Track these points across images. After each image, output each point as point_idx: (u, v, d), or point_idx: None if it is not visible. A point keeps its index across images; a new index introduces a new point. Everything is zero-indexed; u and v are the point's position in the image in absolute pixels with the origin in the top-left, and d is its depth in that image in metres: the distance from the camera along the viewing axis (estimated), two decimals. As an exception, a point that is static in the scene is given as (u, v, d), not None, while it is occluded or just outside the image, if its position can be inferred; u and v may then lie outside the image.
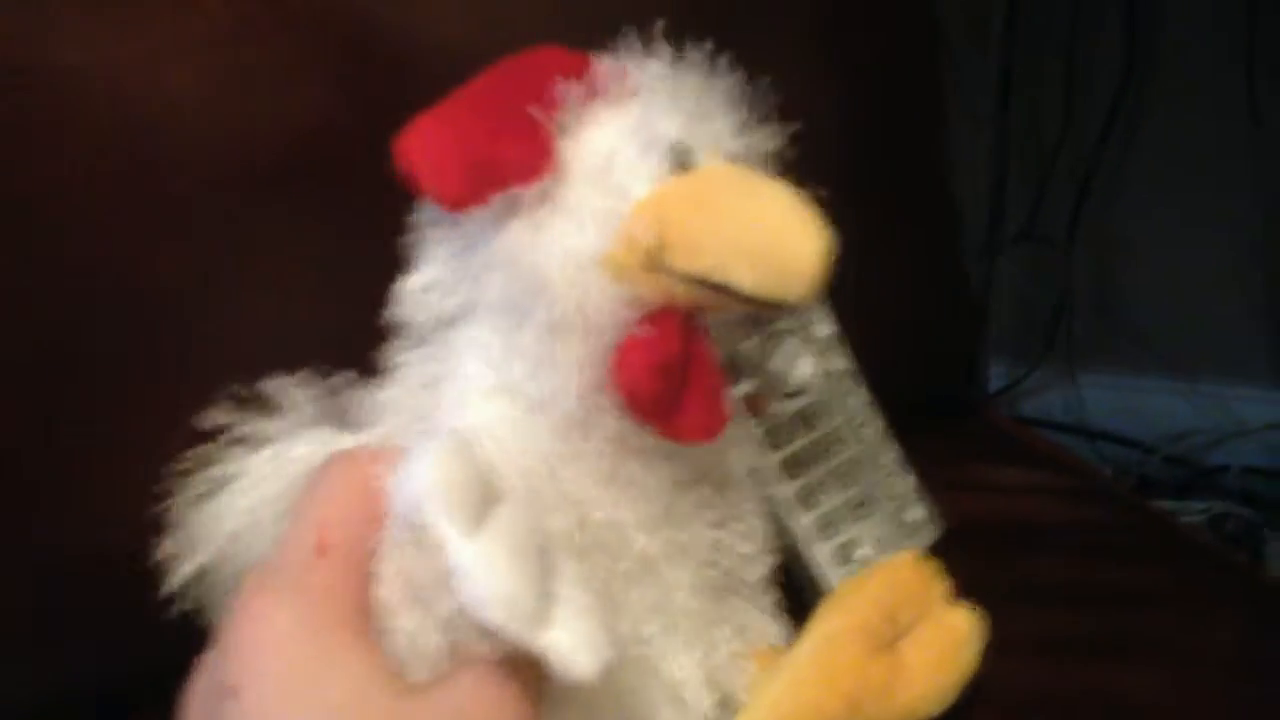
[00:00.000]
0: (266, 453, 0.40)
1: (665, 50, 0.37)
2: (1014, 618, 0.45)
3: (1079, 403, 1.32)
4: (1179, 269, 1.28)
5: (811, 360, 0.51)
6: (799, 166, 0.40)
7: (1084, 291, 1.32)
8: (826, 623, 0.42)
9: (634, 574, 0.38)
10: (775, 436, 0.50)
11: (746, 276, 0.34)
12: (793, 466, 0.50)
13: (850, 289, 0.54)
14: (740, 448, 0.44)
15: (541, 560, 0.33)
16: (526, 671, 0.34)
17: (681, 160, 0.36)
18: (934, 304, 0.67)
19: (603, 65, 0.37)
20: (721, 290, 0.34)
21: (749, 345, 0.50)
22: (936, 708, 0.42)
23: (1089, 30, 1.22)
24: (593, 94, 0.36)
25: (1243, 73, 1.16)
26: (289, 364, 0.40)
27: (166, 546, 0.40)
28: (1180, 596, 0.53)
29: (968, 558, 0.49)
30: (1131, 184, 1.27)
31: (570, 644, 0.31)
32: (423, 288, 0.38)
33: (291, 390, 0.40)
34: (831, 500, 0.50)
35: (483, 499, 0.32)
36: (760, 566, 0.43)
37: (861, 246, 0.61)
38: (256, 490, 0.40)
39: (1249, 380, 1.29)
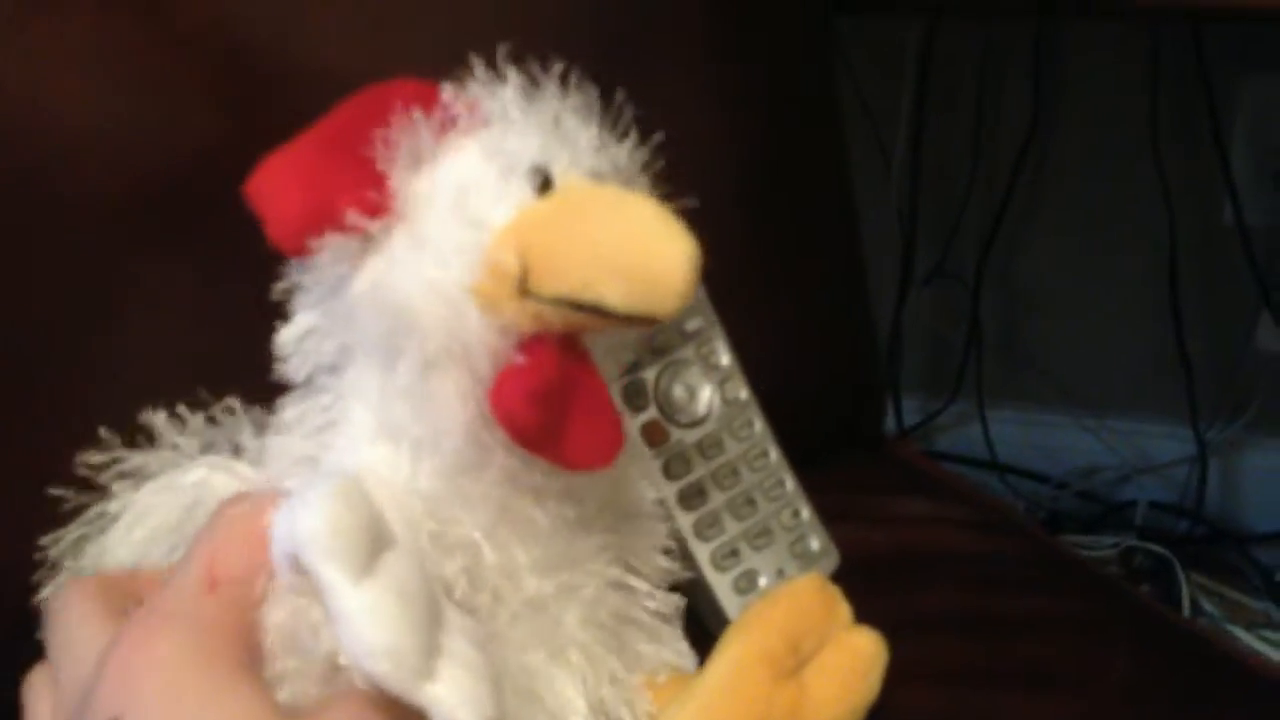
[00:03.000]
0: (153, 484, 0.39)
1: (514, 73, 0.37)
2: (909, 647, 0.45)
3: (990, 439, 1.34)
4: (1086, 307, 1.30)
5: (711, 389, 0.51)
6: (692, 202, 0.40)
7: (993, 330, 1.33)
8: (731, 650, 0.42)
9: (522, 615, 0.37)
10: (673, 467, 0.49)
11: (614, 294, 0.33)
12: (690, 497, 0.50)
13: (752, 324, 0.55)
14: (643, 479, 0.44)
15: (430, 610, 0.32)
16: (401, 707, 0.34)
17: (541, 182, 0.35)
18: (836, 339, 0.68)
19: (453, 94, 0.37)
20: (591, 310, 0.34)
21: (648, 374, 0.49)
22: (843, 734, 0.42)
23: (997, 76, 1.25)
24: (445, 124, 0.36)
25: (1146, 116, 1.19)
26: (170, 390, 0.39)
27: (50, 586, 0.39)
28: (1077, 627, 0.53)
29: (866, 587, 0.49)
30: (1038, 225, 1.29)
31: (453, 700, 0.31)
32: (297, 337, 0.37)
33: (175, 421, 0.39)
34: (729, 531, 0.50)
35: (371, 544, 0.31)
36: (662, 601, 0.42)
37: (764, 281, 0.62)
38: (147, 521, 0.39)
39: (1155, 416, 1.31)
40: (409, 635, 0.30)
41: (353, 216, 0.33)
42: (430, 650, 0.31)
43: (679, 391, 0.50)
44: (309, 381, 0.37)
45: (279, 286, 0.36)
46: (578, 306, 0.33)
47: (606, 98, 0.38)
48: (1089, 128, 1.24)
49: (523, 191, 0.35)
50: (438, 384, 0.34)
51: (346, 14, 0.52)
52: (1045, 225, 1.30)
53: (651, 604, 0.42)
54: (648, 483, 0.44)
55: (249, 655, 0.32)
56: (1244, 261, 1.19)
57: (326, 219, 0.33)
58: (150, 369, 0.48)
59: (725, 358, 0.52)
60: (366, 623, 0.30)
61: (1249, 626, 1.18)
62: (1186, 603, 1.19)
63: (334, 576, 0.30)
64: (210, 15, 0.50)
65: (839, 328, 0.68)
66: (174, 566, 0.34)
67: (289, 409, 0.38)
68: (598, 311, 0.33)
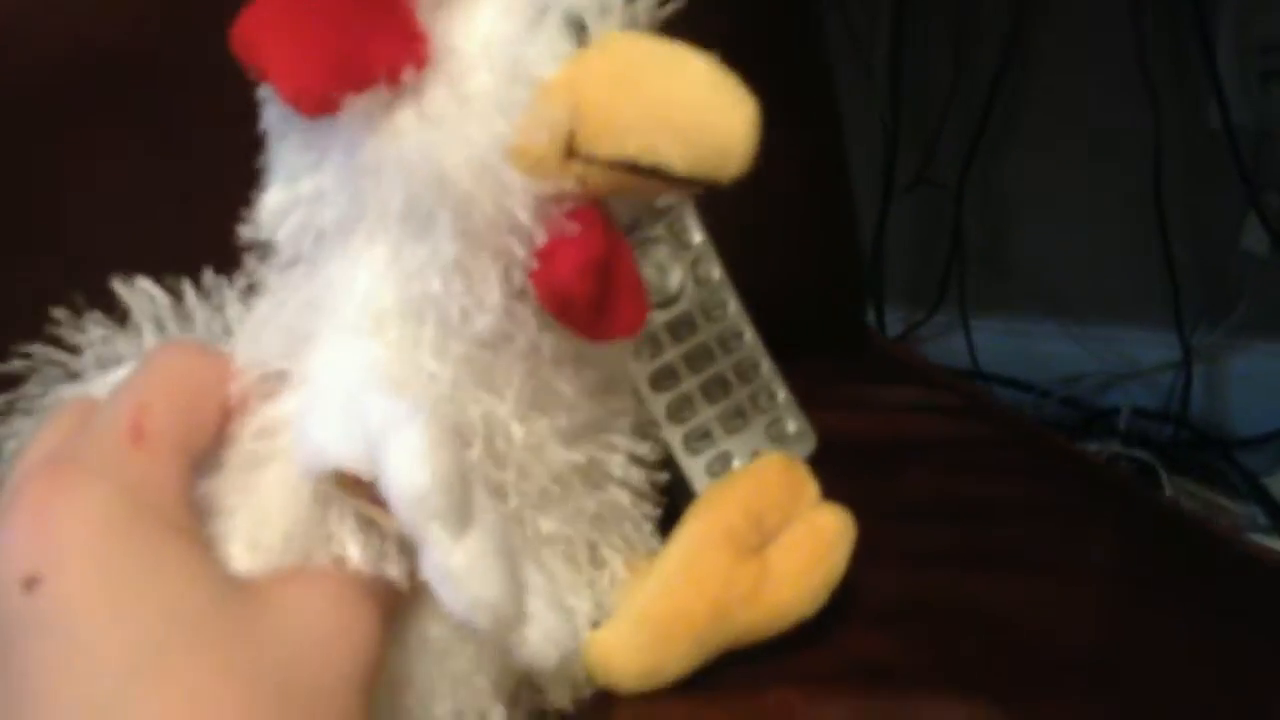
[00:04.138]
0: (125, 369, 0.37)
1: None
2: (887, 531, 0.44)
3: (974, 348, 1.32)
4: (1070, 213, 1.28)
5: (682, 269, 0.49)
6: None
7: (975, 239, 1.32)
8: (691, 527, 0.41)
9: (551, 495, 0.36)
10: (643, 349, 0.48)
11: (678, 157, 0.31)
12: (662, 379, 0.48)
13: (731, 218, 0.53)
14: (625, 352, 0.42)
15: (513, 549, 0.31)
16: (382, 594, 0.32)
17: (580, 30, 0.33)
18: (816, 233, 0.66)
19: None
20: (651, 173, 0.32)
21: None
22: (806, 611, 0.41)
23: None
24: None
25: (1129, 16, 1.16)
26: (120, 264, 0.37)
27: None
28: (1059, 510, 0.52)
29: (843, 471, 0.48)
30: (1021, 132, 1.27)
31: (538, 638, 0.32)
32: (284, 204, 0.33)
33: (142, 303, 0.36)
34: (702, 414, 0.49)
35: (467, 493, 0.30)
36: (661, 476, 0.41)
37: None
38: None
39: (1140, 322, 1.30)
40: (507, 589, 0.30)
41: (393, 67, 0.30)
42: (520, 595, 0.31)
43: (649, 270, 0.48)
44: (291, 252, 0.34)
45: (261, 158, 0.33)
46: (637, 169, 0.31)
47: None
48: (1072, 30, 1.22)
49: (563, 41, 0.32)
50: (475, 254, 0.32)
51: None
52: (1029, 131, 1.28)
53: (656, 479, 0.41)
54: (629, 355, 0.42)
55: (185, 515, 0.30)
56: (1230, 163, 1.18)
57: (357, 72, 0.30)
58: (95, 243, 0.46)
59: (697, 235, 0.50)
60: (472, 579, 0.29)
61: (1234, 530, 1.19)
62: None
63: (440, 535, 0.29)
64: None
65: (819, 223, 0.67)
66: (96, 413, 0.31)
67: (271, 280, 0.35)
68: (657, 174, 0.31)
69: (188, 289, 0.36)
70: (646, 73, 0.32)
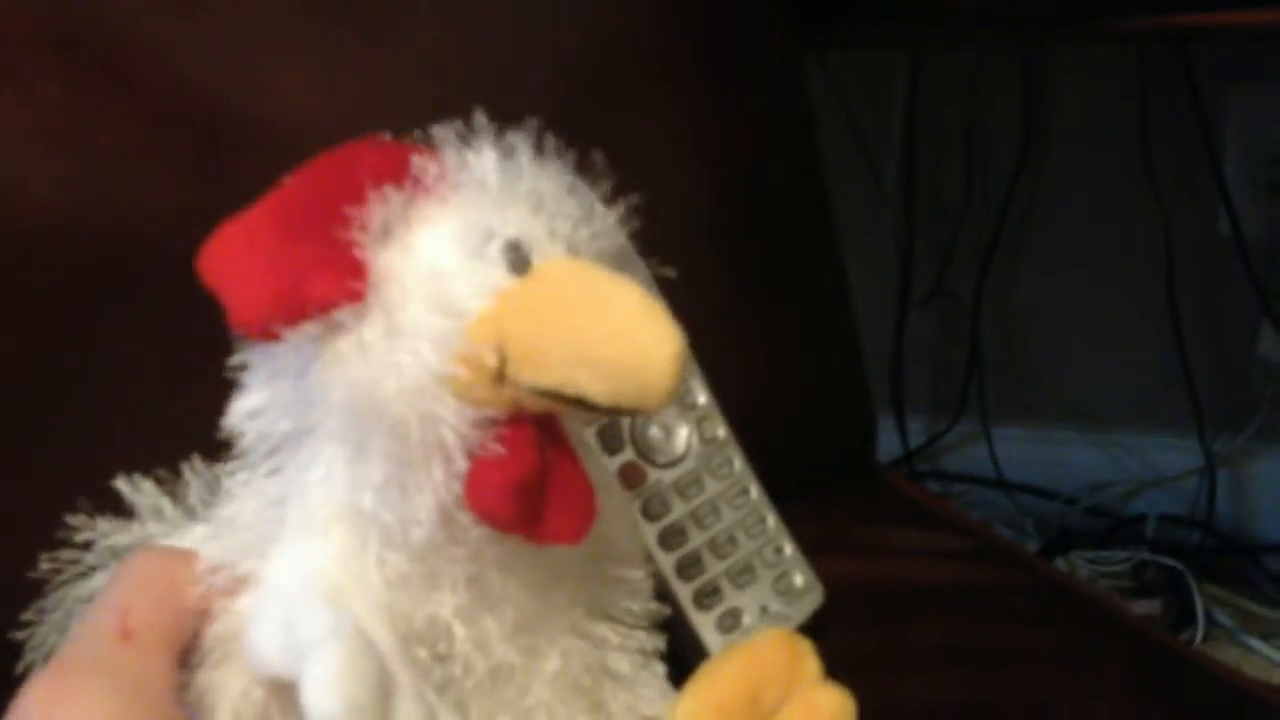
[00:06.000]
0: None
1: (490, 138, 0.35)
2: (894, 683, 0.45)
3: (996, 457, 1.33)
4: (1086, 323, 1.30)
5: (688, 429, 0.51)
6: (668, 246, 0.39)
7: (994, 348, 1.33)
8: (685, 705, 0.41)
9: (485, 685, 0.37)
10: (652, 507, 0.49)
11: (599, 389, 0.32)
12: (670, 537, 0.49)
13: (737, 359, 0.55)
14: (621, 520, 0.43)
15: None
16: None
17: (519, 259, 0.34)
18: (822, 371, 0.67)
19: (425, 159, 0.35)
20: (574, 402, 0.33)
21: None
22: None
23: (987, 95, 1.25)
24: (416, 193, 0.34)
25: (1137, 130, 1.19)
26: (152, 458, 0.39)
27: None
28: (1067, 658, 0.53)
29: (854, 621, 0.49)
30: (1035, 242, 1.29)
31: None
32: (249, 412, 0.35)
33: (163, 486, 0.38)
34: (711, 570, 0.50)
35: (383, 704, 0.31)
36: (642, 640, 0.42)
37: (745, 316, 0.63)
38: None
39: (1161, 429, 1.30)
40: None
41: (327, 304, 0.32)
42: None
43: (655, 432, 0.50)
44: (258, 453, 0.36)
45: (231, 361, 0.35)
46: (559, 398, 0.33)
47: (579, 145, 0.37)
48: (1081, 143, 1.25)
49: (499, 272, 0.33)
50: (410, 474, 0.33)
51: (312, 72, 0.53)
52: (1042, 242, 1.29)
53: (627, 649, 0.41)
54: (623, 523, 0.43)
55: (171, 709, 0.32)
56: (1242, 271, 1.19)
57: (297, 306, 0.32)
58: (129, 440, 0.48)
59: (702, 396, 0.52)
60: None
61: (1264, 636, 1.18)
62: (1200, 615, 1.19)
63: None
64: (173, 81, 0.50)
65: (825, 360, 0.68)
66: (82, 621, 0.33)
67: (239, 478, 0.36)
68: (580, 404, 0.33)
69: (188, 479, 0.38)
70: (572, 306, 0.33)
